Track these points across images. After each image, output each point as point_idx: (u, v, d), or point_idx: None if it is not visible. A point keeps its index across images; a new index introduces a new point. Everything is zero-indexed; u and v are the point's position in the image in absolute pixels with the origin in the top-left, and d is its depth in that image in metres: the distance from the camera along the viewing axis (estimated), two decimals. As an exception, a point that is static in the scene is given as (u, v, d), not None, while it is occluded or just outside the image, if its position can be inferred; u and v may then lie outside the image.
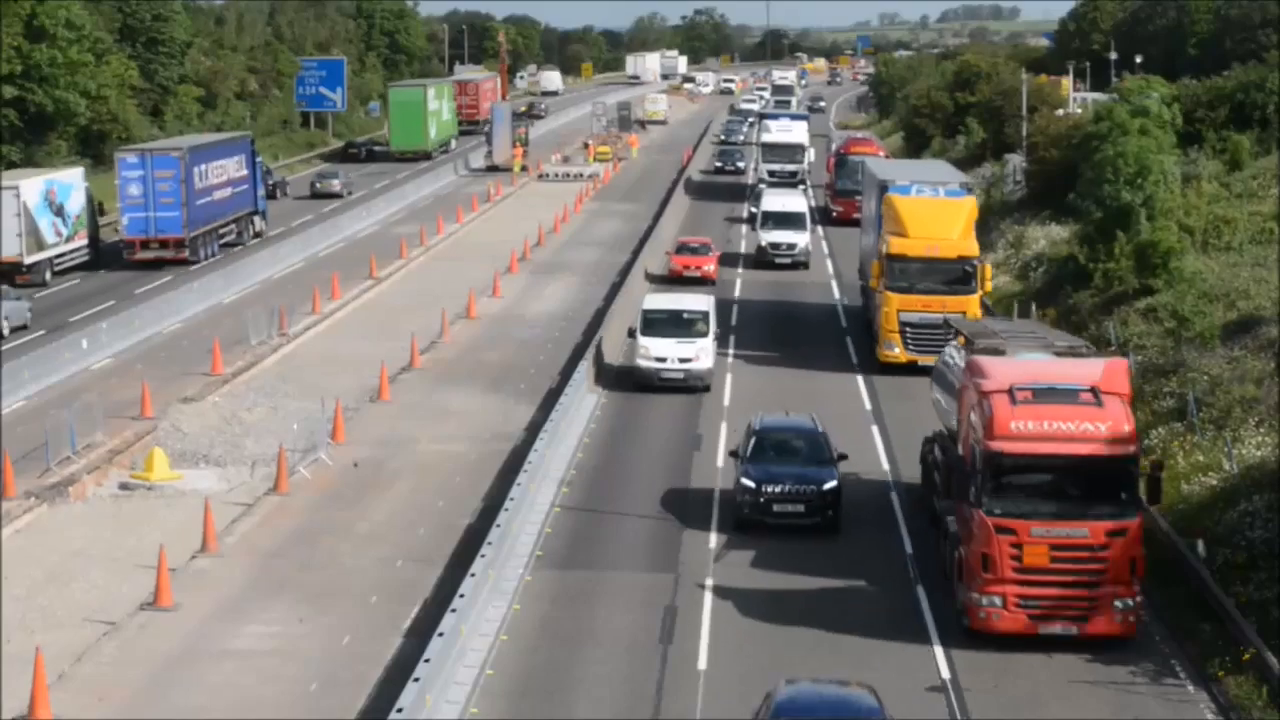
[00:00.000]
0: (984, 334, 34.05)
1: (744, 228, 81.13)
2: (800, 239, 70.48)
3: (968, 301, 48.63)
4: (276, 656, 27.84)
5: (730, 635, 28.61)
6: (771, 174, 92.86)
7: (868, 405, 45.96)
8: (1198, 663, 27.68)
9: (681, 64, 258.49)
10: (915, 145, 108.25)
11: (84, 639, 28.47)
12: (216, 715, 25.54)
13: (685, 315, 47.63)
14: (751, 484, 34.10)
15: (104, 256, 69.21)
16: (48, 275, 64.42)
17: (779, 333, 56.36)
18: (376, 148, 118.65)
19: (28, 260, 62.78)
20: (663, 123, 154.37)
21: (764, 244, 70.55)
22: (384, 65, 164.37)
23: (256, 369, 49.96)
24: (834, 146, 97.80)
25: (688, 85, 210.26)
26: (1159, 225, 51.86)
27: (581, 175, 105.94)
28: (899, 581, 31.50)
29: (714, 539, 34.11)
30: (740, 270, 70.01)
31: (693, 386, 46.89)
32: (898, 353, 49.03)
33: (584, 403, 44.60)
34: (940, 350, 39.00)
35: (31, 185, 64.08)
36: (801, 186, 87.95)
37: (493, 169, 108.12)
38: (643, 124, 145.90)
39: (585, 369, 46.20)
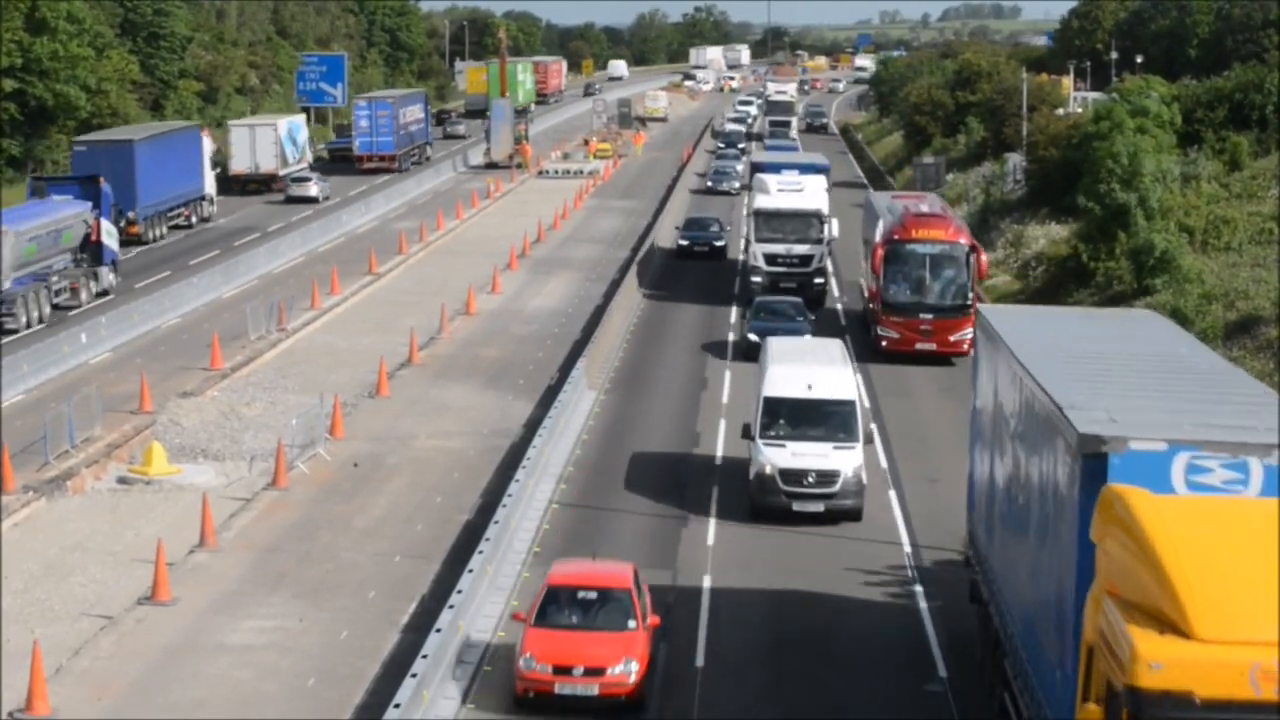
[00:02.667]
0: None
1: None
2: (846, 469, 34.93)
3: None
4: (274, 651, 27.85)
5: (727, 633, 28.61)
6: (773, 264, 58.32)
7: (866, 403, 45.99)
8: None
9: (745, 55, 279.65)
10: (915, 144, 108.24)
11: (82, 633, 28.48)
12: (214, 709, 25.54)
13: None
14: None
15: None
16: (289, 183, 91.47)
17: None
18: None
19: (281, 172, 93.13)
20: (663, 120, 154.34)
21: (769, 477, 34.88)
22: (385, 61, 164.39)
23: (255, 364, 49.98)
24: (882, 225, 52.91)
25: (688, 83, 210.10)
26: (1155, 226, 51.87)
27: (581, 172, 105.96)
28: (898, 580, 31.50)
29: (711, 536, 34.12)
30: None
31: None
32: None
33: (583, 399, 44.60)
34: None
35: (281, 123, 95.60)
36: (819, 281, 59.33)
37: (491, 166, 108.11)
38: (643, 121, 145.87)
39: (584, 365, 46.20)
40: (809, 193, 60.52)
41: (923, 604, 30.34)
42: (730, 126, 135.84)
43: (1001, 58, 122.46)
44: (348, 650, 27.90)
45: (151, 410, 43.53)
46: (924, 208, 54.57)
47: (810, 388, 35.61)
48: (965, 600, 27.88)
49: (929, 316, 50.09)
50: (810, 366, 36.62)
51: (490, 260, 68.22)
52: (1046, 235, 65.28)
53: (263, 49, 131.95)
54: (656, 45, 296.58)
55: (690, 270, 69.14)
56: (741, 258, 67.07)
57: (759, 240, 59.01)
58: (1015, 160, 79.48)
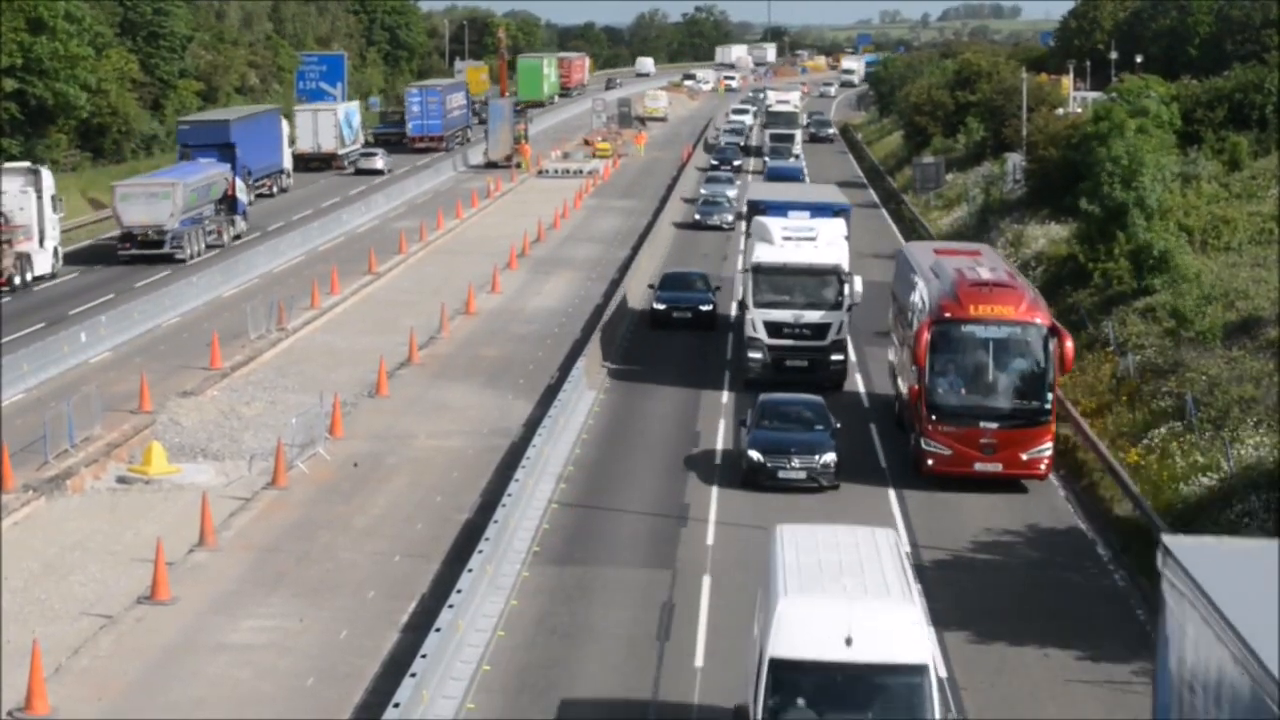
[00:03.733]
0: None
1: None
2: None
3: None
4: (273, 650, 27.85)
5: (727, 632, 28.58)
6: (777, 336, 46.22)
7: (866, 404, 45.98)
8: (1194, 662, 27.68)
9: (770, 54, 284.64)
10: (915, 144, 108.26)
11: (81, 632, 28.48)
12: (213, 708, 25.55)
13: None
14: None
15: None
16: (346, 161, 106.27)
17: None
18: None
19: (340, 152, 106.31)
20: (663, 119, 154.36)
21: None
22: (384, 61, 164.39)
23: (255, 363, 49.99)
24: (926, 295, 39.95)
25: (688, 82, 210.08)
26: (1154, 226, 51.87)
27: (581, 171, 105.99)
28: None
29: (712, 535, 34.13)
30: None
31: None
32: None
33: (583, 399, 44.60)
34: None
35: (340, 109, 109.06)
36: (837, 358, 46.78)
37: (491, 165, 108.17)
38: (643, 121, 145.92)
39: (584, 365, 46.20)
40: (824, 243, 46.62)
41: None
42: (725, 140, 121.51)
43: (1001, 57, 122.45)
44: (347, 650, 27.90)
45: (151, 409, 43.53)
46: (984, 272, 40.09)
47: (850, 643, 20.09)
48: (964, 597, 27.86)
49: (993, 425, 37.13)
50: (850, 602, 20.62)
51: (490, 260, 68.22)
52: (1046, 235, 65.21)
53: (262, 48, 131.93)
54: (657, 45, 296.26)
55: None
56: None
57: (759, 304, 46.02)
58: (1015, 160, 79.45)
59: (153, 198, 68.34)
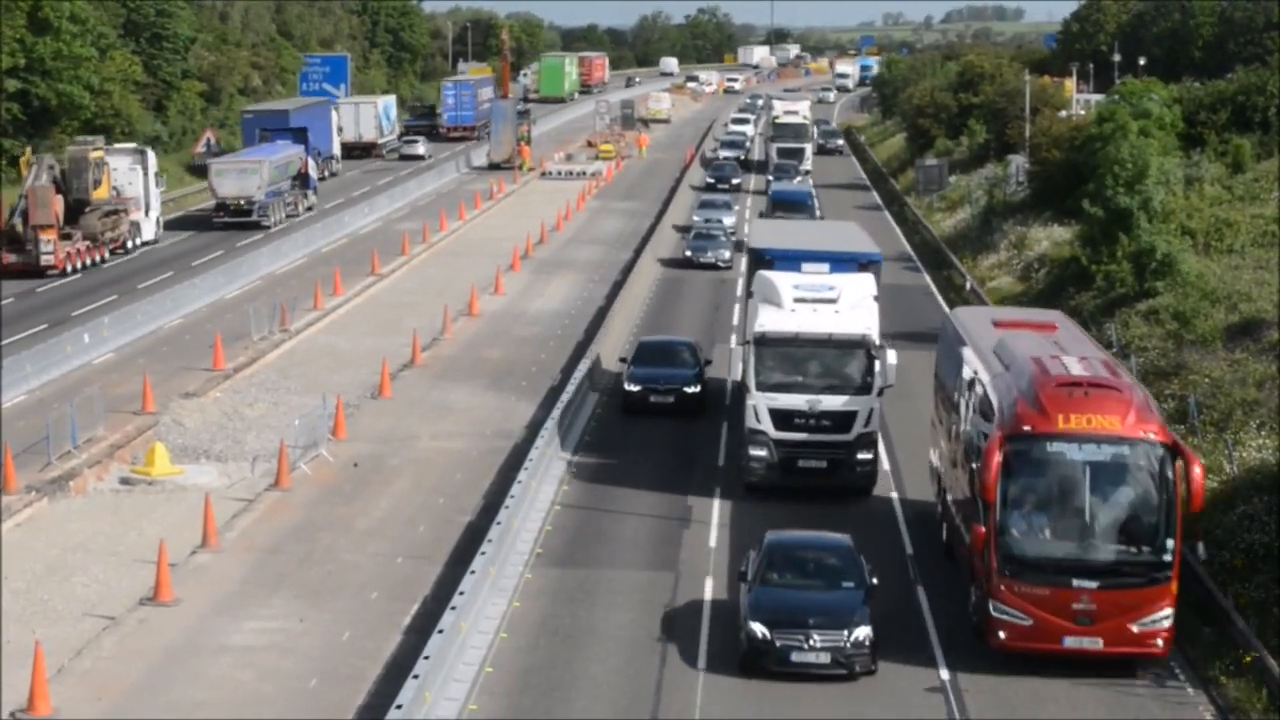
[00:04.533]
0: None
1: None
2: None
3: None
4: (276, 652, 27.86)
5: (730, 635, 28.57)
6: (786, 428, 36.59)
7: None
8: (1198, 665, 27.71)
9: (794, 54, 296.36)
10: (918, 146, 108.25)
11: (84, 633, 28.49)
12: (215, 710, 25.56)
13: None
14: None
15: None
16: (385, 149, 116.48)
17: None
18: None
19: (379, 141, 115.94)
20: (665, 121, 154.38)
21: None
22: (388, 62, 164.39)
23: (258, 364, 49.98)
24: (994, 395, 29.25)
25: (691, 84, 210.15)
26: (1156, 230, 51.85)
27: (584, 173, 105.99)
28: (899, 582, 31.46)
29: (714, 538, 34.11)
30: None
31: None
32: None
33: (586, 400, 44.55)
34: None
35: (379, 102, 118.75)
36: (865, 458, 37.00)
37: (494, 167, 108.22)
38: (645, 123, 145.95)
39: (587, 367, 46.16)
40: (848, 305, 36.80)
41: (924, 604, 30.31)
42: (723, 154, 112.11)
43: (1004, 60, 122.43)
44: (349, 651, 27.90)
45: (154, 411, 43.53)
46: (1072, 362, 29.39)
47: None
48: (966, 599, 27.84)
49: (1091, 585, 26.99)
50: None
51: (493, 261, 68.21)
52: (1049, 237, 65.23)
53: (266, 50, 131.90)
54: (660, 47, 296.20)
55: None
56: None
57: (764, 386, 35.93)
58: (1018, 162, 79.45)
59: (243, 173, 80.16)
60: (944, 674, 27.27)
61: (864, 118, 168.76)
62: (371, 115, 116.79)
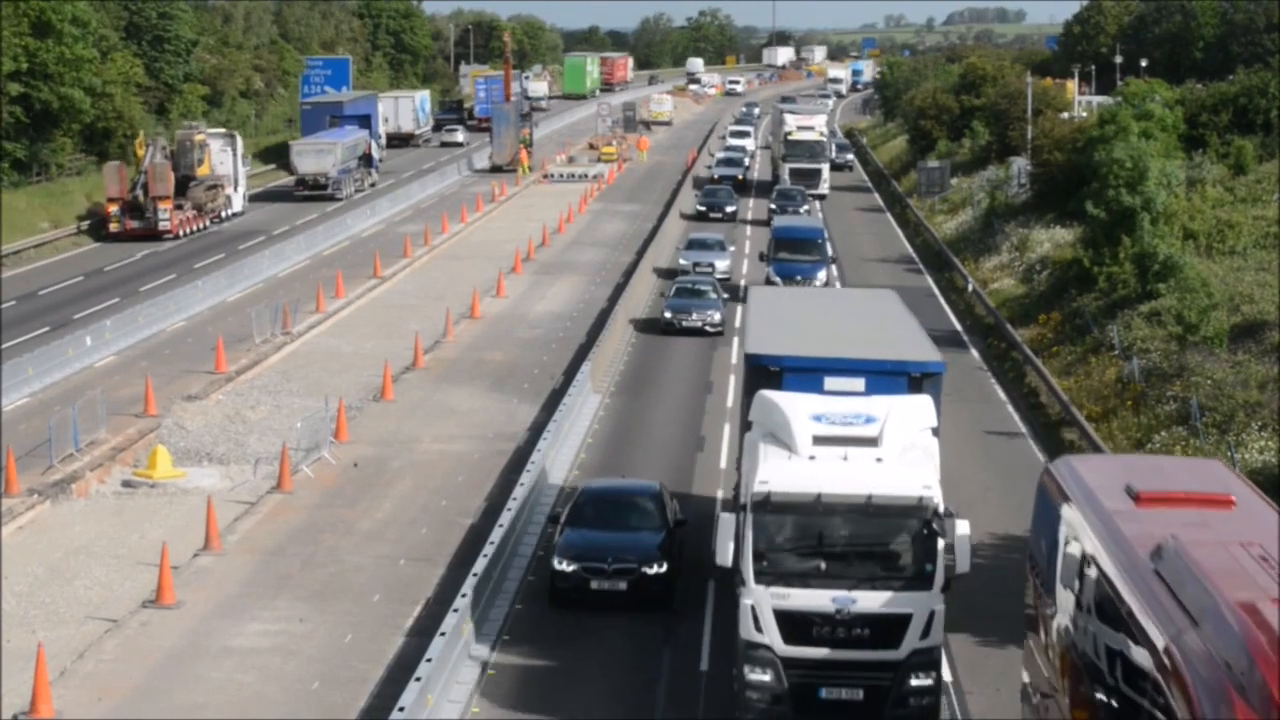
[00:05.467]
0: None
1: None
2: None
3: None
4: (278, 654, 27.86)
5: (732, 636, 28.55)
6: (802, 639, 23.59)
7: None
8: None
9: (819, 55, 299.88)
10: (920, 148, 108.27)
11: (86, 636, 28.50)
12: (217, 713, 25.56)
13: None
14: None
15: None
16: (421, 139, 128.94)
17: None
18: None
19: (415, 132, 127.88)
20: (667, 124, 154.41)
21: None
22: (389, 64, 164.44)
23: (260, 367, 50.00)
24: (1154, 638, 16.89)
25: (693, 86, 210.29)
26: (1159, 232, 51.86)
27: (586, 175, 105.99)
28: None
29: (716, 539, 34.04)
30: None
31: None
32: None
33: (587, 403, 44.59)
34: None
35: (416, 96, 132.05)
36: (923, 684, 23.98)
37: (496, 169, 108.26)
38: (647, 125, 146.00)
39: (589, 369, 46.19)
40: (895, 448, 24.60)
41: None
42: (719, 171, 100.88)
43: (1006, 62, 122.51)
44: (352, 654, 27.91)
45: (156, 413, 43.56)
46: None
47: None
48: (968, 601, 27.83)
49: None
50: None
51: (495, 264, 68.24)
52: (1051, 239, 65.25)
53: (267, 52, 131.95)
54: (662, 49, 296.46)
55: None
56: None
57: (768, 576, 23.80)
58: (1020, 164, 79.48)
59: (320, 153, 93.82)
60: (946, 675, 26.61)
61: (866, 119, 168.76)
62: (410, 108, 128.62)
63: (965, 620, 29.20)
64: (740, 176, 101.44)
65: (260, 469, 38.90)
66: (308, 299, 59.58)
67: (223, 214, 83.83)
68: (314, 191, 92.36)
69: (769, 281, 58.83)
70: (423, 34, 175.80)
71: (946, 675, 26.57)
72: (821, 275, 60.11)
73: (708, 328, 54.60)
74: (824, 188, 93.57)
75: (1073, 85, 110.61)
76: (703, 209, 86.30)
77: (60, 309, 58.85)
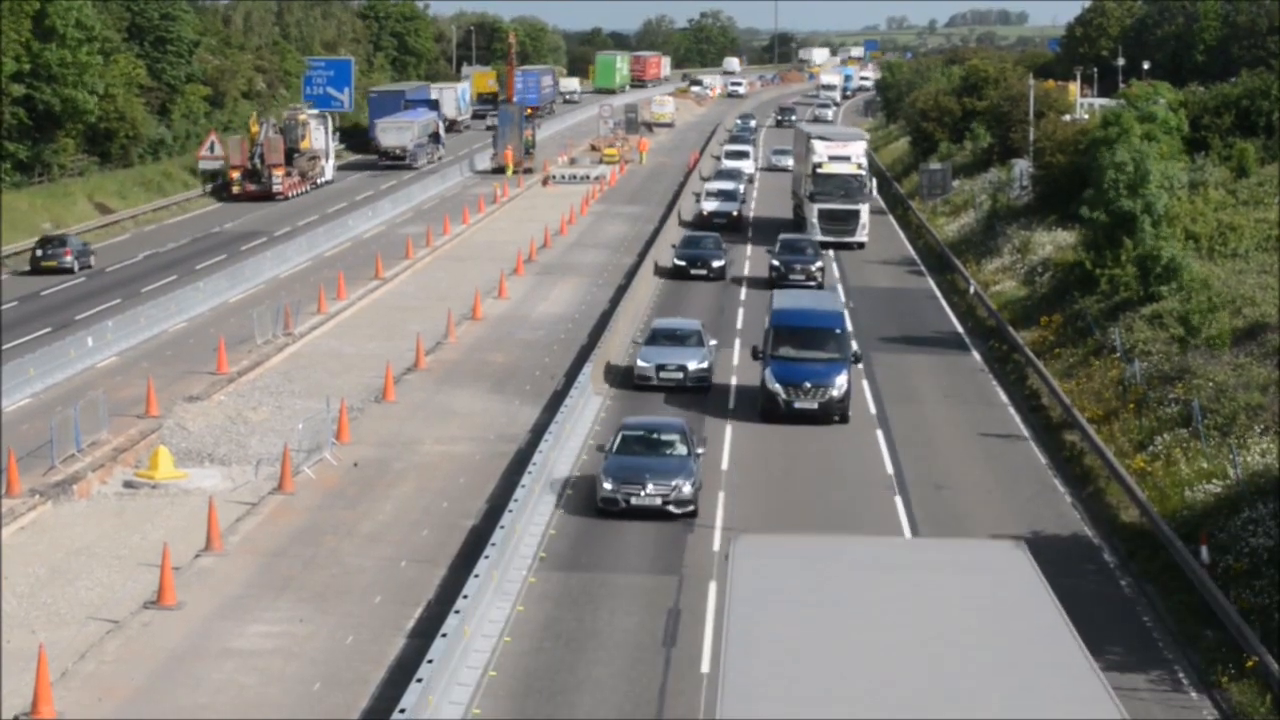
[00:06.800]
0: None
1: None
2: None
3: None
4: (279, 656, 27.87)
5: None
6: None
7: (873, 410, 45.93)
8: (1201, 669, 27.70)
9: (818, 56, 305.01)
10: (922, 150, 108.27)
11: (87, 637, 28.50)
12: (219, 714, 25.56)
13: None
14: None
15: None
16: (462, 125, 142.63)
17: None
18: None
19: (458, 118, 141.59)
20: (669, 125, 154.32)
21: None
22: (392, 65, 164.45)
23: (262, 368, 50.01)
24: None
25: (695, 88, 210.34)
26: (1162, 234, 51.84)
27: (588, 177, 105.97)
28: None
29: (718, 541, 34.09)
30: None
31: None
32: None
33: (589, 405, 44.59)
34: None
35: (458, 87, 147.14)
36: None
37: (499, 171, 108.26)
38: (649, 126, 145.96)
39: (590, 371, 46.19)
40: None
41: None
42: (708, 206, 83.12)
43: (1008, 64, 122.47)
44: (353, 655, 27.92)
45: (158, 414, 43.56)
46: None
47: None
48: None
49: None
50: None
51: (497, 265, 68.24)
52: (1053, 241, 65.24)
53: (269, 53, 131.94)
54: (663, 51, 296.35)
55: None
56: None
57: None
58: (1022, 166, 79.45)
59: (400, 129, 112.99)
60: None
61: (868, 122, 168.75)
62: (452, 98, 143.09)
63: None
64: (736, 212, 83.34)
65: (262, 470, 38.91)
66: (309, 300, 59.57)
67: (318, 181, 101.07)
68: (394, 162, 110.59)
69: (765, 395, 43.24)
70: (425, 35, 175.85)
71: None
72: (841, 380, 43.16)
73: (670, 504, 35.10)
74: (862, 234, 76.72)
75: (1075, 88, 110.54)
76: (682, 263, 66.39)
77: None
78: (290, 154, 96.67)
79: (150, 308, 56.05)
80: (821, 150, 77.94)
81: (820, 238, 73.17)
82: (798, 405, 42.93)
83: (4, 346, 51.03)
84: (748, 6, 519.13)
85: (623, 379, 48.03)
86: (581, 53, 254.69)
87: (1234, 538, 31.10)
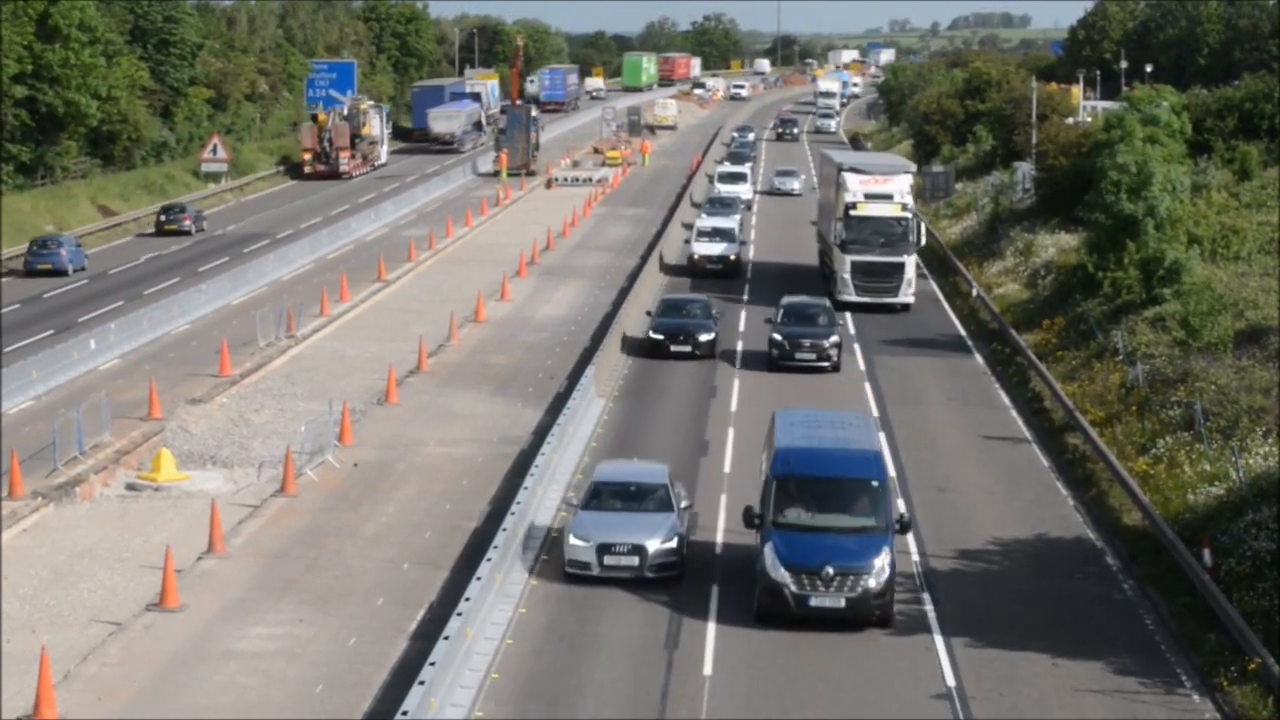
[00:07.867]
0: None
1: None
2: None
3: None
4: (282, 658, 27.87)
5: (735, 641, 28.59)
6: None
7: (875, 412, 45.92)
8: (1203, 672, 27.69)
9: (885, 57, 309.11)
10: (925, 153, 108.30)
11: (90, 639, 28.51)
12: (221, 716, 25.57)
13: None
14: None
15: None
16: (494, 119, 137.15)
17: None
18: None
19: (490, 112, 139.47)
20: (672, 128, 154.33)
21: None
22: (394, 68, 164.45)
23: (264, 371, 50.03)
24: None
25: (697, 91, 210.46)
26: (1165, 237, 51.83)
27: (590, 180, 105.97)
28: (905, 588, 31.42)
29: (720, 543, 34.10)
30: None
31: None
32: None
33: (591, 407, 44.59)
34: None
35: (488, 83, 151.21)
36: None
37: (499, 174, 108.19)
38: (652, 129, 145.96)
39: (593, 373, 46.19)
40: None
41: (929, 609, 30.32)
42: (699, 250, 68.16)
43: (1011, 67, 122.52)
44: (355, 657, 27.92)
45: (160, 417, 43.57)
46: None
47: None
48: (972, 606, 27.82)
49: None
50: None
51: (499, 268, 68.26)
52: (1056, 244, 65.25)
53: (272, 56, 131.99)
54: (666, 53, 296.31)
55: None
56: None
57: None
58: (1024, 169, 79.47)
59: (449, 118, 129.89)
60: (950, 680, 27.24)
61: (871, 124, 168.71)
62: (486, 92, 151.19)
63: (966, 624, 29.23)
64: (734, 256, 68.65)
65: (264, 472, 38.91)
66: (312, 302, 59.59)
67: (376, 163, 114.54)
68: (444, 145, 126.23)
69: (765, 586, 29.27)
70: (428, 38, 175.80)
71: (950, 680, 27.17)
72: (879, 563, 29.07)
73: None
74: (907, 293, 60.48)
75: (1077, 90, 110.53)
76: (659, 337, 51.39)
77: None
78: (354, 139, 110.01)
79: (153, 310, 56.08)
80: (855, 187, 60.55)
81: (853, 297, 59.59)
82: (814, 602, 28.73)
83: (7, 349, 51.03)
84: (750, 8, 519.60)
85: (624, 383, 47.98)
86: (584, 55, 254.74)
87: (1236, 541, 31.09)
